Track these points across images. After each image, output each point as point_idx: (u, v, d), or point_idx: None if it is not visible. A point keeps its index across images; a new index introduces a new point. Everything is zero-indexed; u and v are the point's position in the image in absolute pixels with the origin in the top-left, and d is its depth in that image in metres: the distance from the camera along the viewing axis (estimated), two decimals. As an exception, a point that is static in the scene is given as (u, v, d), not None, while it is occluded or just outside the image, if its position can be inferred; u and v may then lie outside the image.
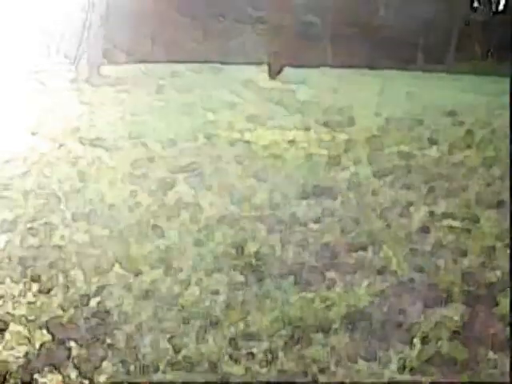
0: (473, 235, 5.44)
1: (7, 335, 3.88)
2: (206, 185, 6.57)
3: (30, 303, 4.22)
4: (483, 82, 15.45)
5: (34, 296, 4.33)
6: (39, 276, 4.54)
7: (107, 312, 4.13)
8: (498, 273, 4.76)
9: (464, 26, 20.77)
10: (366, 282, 4.61)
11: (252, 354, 3.80)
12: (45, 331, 3.91)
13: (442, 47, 21.78)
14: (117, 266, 4.72)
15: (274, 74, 14.73)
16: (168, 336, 3.91)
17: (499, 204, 6.03)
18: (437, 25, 21.02)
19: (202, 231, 5.36)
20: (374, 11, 20.95)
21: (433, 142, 8.28)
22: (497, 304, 4.30)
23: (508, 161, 6.94)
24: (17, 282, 4.47)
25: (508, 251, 5.05)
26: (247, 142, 8.53)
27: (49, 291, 4.38)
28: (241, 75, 15.97)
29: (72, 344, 3.80)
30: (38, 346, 3.79)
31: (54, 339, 3.84)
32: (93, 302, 4.24)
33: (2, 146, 8.08)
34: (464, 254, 5.09)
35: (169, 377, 3.61)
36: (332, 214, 5.81)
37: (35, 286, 4.43)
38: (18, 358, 3.70)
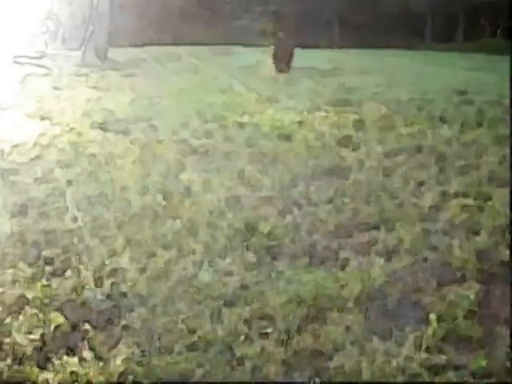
0: (485, 213, 5.40)
1: (22, 318, 3.87)
2: (216, 167, 6.56)
3: (44, 286, 4.21)
4: (493, 60, 15.35)
5: (48, 279, 4.32)
6: (52, 259, 4.54)
7: (121, 294, 4.12)
8: (512, 250, 4.72)
9: (473, 5, 20.63)
10: (379, 262, 4.59)
11: (267, 334, 3.79)
12: (59, 314, 3.91)
13: (451, 26, 21.65)
14: (129, 248, 4.71)
15: (282, 67, 14.53)
16: (183, 317, 3.90)
17: (511, 182, 6.00)
18: (446, 3, 20.89)
19: (214, 212, 5.34)
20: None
21: (444, 121, 8.24)
22: (512, 281, 4.28)
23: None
24: (30, 266, 4.46)
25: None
26: (256, 124, 8.49)
27: (62, 274, 4.38)
28: (248, 58, 15.93)
29: (87, 326, 3.80)
30: (52, 328, 3.78)
31: (68, 322, 3.84)
32: (106, 285, 4.23)
33: (11, 131, 8.08)
34: (477, 232, 5.05)
35: (184, 357, 3.60)
36: (344, 194, 5.79)
37: (49, 269, 4.42)
38: (33, 340, 3.70)
